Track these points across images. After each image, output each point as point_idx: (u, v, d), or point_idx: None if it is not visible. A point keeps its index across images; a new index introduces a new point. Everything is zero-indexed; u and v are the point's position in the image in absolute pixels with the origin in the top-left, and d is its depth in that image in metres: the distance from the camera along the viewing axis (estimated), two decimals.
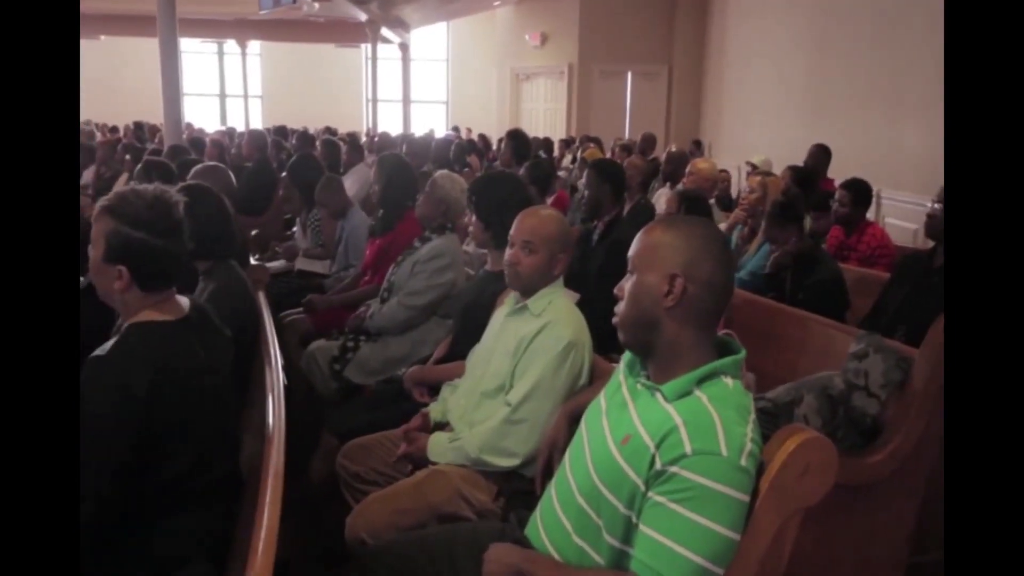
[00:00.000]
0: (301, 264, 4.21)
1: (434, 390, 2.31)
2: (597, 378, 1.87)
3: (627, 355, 1.38)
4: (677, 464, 1.13)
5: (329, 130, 10.31)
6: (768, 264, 3.10)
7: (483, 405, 1.90)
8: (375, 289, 3.19)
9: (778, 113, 8.60)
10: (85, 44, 16.81)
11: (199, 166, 3.42)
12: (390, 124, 12.36)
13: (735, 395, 1.20)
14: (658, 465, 1.15)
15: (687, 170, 4.04)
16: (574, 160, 8.12)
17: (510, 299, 2.02)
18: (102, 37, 15.96)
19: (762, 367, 2.17)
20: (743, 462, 1.12)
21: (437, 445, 1.87)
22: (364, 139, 9.47)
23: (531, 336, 1.82)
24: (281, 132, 8.70)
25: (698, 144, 8.98)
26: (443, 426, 2.00)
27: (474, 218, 2.41)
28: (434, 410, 2.06)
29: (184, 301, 1.61)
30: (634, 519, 1.19)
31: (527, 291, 1.92)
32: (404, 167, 3.43)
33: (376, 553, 1.59)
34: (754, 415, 1.20)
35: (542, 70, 13.63)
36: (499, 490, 1.79)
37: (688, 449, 1.13)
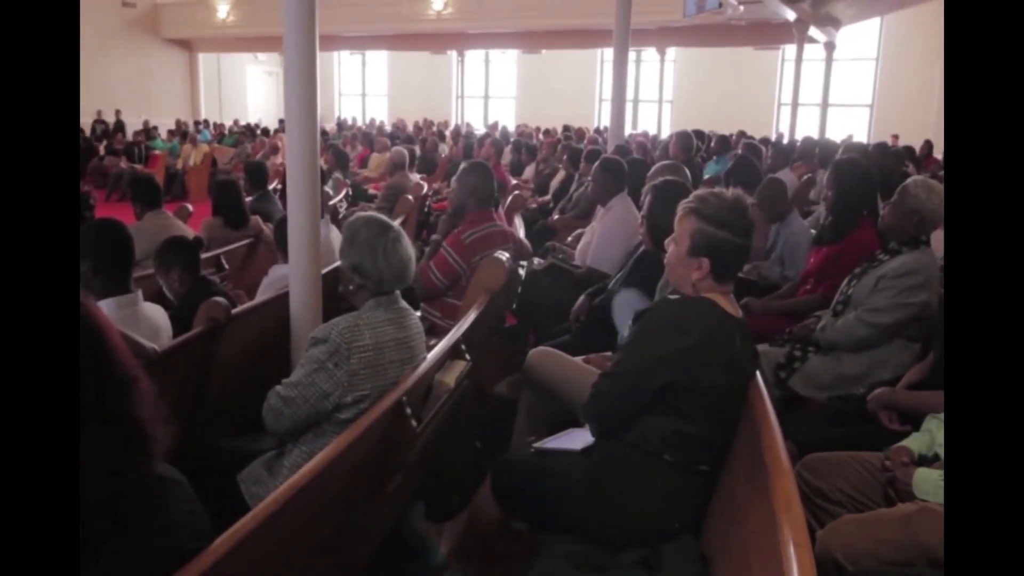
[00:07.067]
0: None
1: (904, 417, 2.10)
2: None
3: None
4: None
5: (744, 134, 10.17)
6: None
7: None
8: (819, 300, 3.03)
9: None
10: (524, 58, 19.36)
11: (661, 163, 3.63)
12: (805, 128, 11.69)
13: None
14: None
15: None
16: None
17: None
18: (543, 51, 18.17)
19: None
20: None
21: (927, 481, 1.69)
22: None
23: None
24: (698, 135, 8.84)
25: None
26: (928, 460, 1.80)
27: None
28: (916, 442, 1.86)
29: (735, 306, 1.78)
30: None
31: None
32: (863, 173, 3.17)
33: None
34: None
35: None
36: None
37: None
